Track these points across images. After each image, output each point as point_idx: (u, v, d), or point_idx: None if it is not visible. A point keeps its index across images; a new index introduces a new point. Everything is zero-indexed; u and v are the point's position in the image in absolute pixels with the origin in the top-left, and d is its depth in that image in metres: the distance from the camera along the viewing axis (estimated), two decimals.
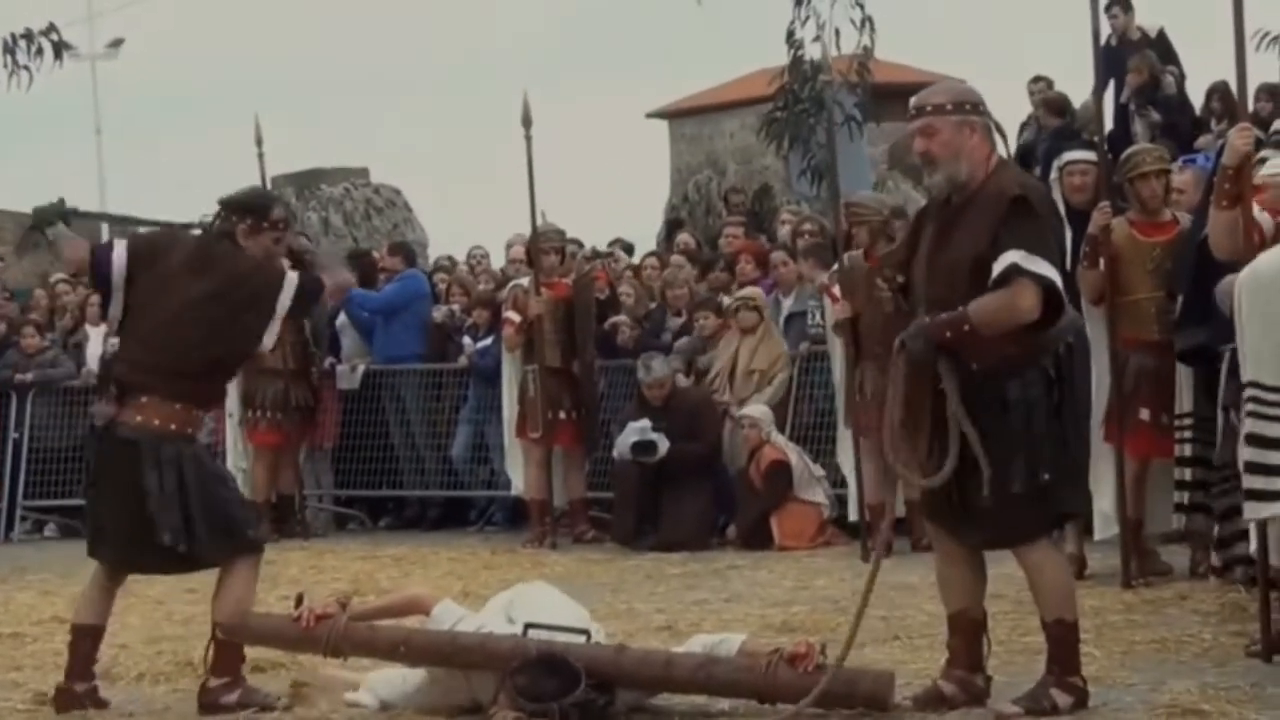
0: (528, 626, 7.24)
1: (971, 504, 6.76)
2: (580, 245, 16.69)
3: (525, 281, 13.60)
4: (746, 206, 20.03)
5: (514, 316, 13.50)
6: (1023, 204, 6.70)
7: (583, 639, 7.25)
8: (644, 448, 13.02)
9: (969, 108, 6.87)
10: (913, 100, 6.99)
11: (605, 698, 7.05)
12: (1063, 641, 6.87)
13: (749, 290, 13.73)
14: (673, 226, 19.81)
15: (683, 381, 13.52)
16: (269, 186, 15.23)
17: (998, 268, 6.62)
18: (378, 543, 14.05)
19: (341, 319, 15.40)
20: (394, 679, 7.60)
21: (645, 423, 13.07)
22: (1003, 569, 7.20)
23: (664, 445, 12.99)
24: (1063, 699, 6.79)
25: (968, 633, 7.02)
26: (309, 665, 8.16)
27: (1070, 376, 6.81)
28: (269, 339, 7.79)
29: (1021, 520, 6.77)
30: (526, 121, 13.14)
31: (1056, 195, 9.71)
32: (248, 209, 7.82)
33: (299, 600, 7.61)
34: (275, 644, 7.90)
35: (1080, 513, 7.88)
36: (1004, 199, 6.71)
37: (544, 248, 13.49)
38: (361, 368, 15.26)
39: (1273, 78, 14.66)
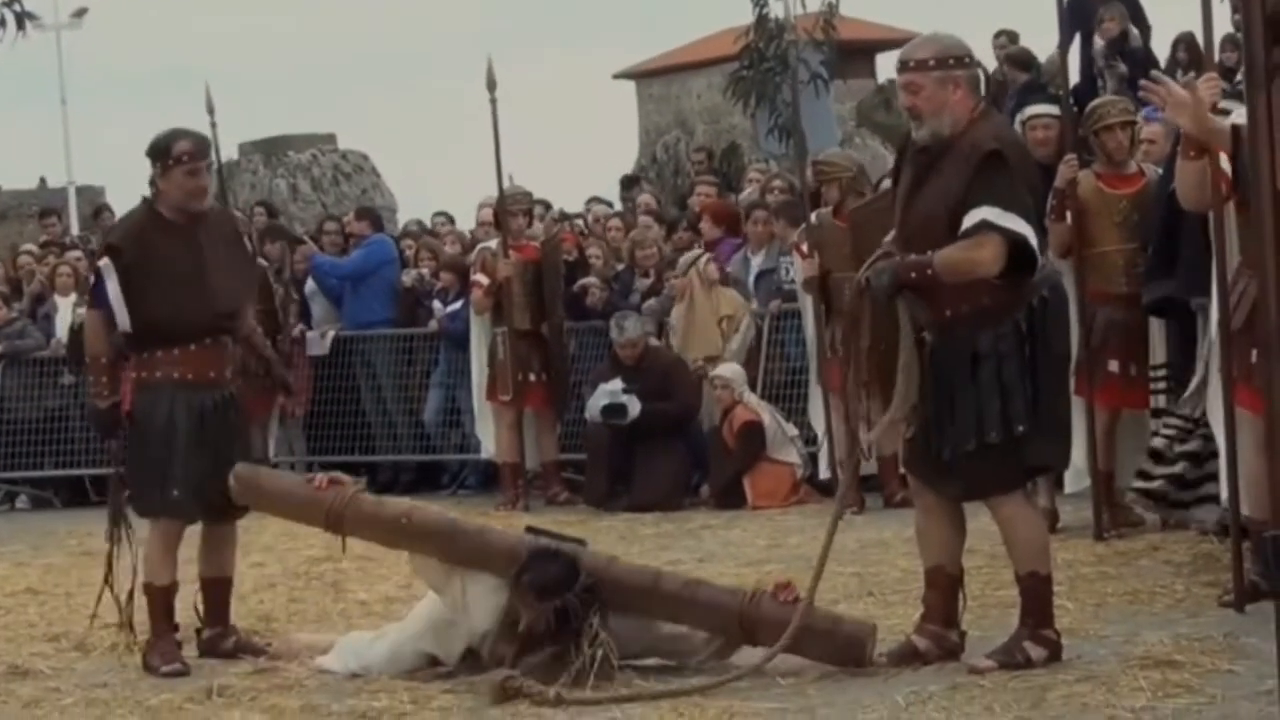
0: (528, 529, 7.42)
1: (945, 453, 6.78)
2: (548, 207, 16.63)
3: (493, 244, 13.55)
4: (707, 166, 19.94)
5: (482, 279, 13.44)
6: (996, 158, 6.70)
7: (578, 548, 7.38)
8: (614, 410, 12.98)
9: (953, 62, 6.85)
10: (899, 54, 7.03)
11: (599, 599, 7.09)
12: (1036, 595, 6.89)
13: (691, 254, 13.64)
14: (628, 182, 19.67)
15: (654, 342, 13.49)
16: (237, 155, 15.18)
17: (968, 222, 6.63)
18: None
19: (310, 285, 15.35)
20: (360, 643, 7.62)
21: (617, 384, 13.03)
22: (977, 523, 7.20)
23: (634, 408, 12.95)
24: (1036, 652, 6.80)
25: (943, 588, 7.03)
26: (280, 632, 8.21)
27: (1045, 330, 6.81)
28: None
29: (994, 471, 6.78)
30: (491, 85, 13.09)
31: None
32: (152, 155, 7.77)
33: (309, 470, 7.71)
34: (281, 505, 7.96)
35: (1055, 466, 7.90)
36: (978, 153, 6.71)
37: (511, 210, 13.43)
38: (331, 334, 15.21)
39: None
